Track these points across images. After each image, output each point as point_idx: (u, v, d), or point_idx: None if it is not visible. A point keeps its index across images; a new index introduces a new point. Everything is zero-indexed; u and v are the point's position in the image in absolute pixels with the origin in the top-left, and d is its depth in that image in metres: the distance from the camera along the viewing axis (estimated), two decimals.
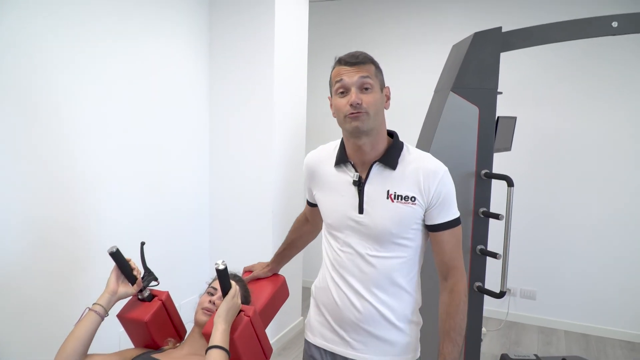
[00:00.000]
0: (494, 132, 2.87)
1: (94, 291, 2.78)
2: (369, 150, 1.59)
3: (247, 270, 2.19)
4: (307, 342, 1.81)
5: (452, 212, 1.61)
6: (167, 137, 3.32)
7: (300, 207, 4.06)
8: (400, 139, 1.65)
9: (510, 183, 2.78)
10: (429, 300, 1.90)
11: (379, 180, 1.59)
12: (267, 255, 3.63)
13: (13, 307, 2.38)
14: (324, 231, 1.77)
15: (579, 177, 4.33)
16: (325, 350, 1.72)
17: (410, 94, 4.65)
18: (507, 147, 3.51)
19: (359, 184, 1.59)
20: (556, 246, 4.43)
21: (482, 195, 2.86)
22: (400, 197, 1.56)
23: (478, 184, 2.83)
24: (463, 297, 1.60)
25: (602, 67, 4.19)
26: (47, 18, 2.43)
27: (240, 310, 1.70)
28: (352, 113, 1.50)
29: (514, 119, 3.48)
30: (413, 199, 1.55)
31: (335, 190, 1.65)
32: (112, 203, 2.91)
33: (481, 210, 2.85)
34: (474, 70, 2.79)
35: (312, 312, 1.81)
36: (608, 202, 4.26)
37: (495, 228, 3.08)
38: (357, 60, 1.53)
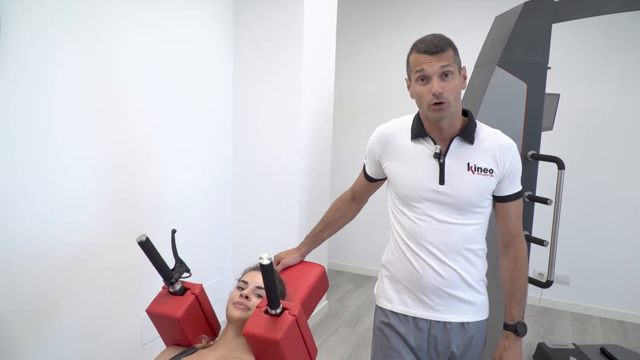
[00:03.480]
0: (542, 111, 2.68)
1: (114, 279, 2.67)
2: (447, 128, 1.67)
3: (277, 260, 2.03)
4: (382, 311, 1.84)
5: (519, 185, 1.74)
6: (187, 115, 3.14)
7: (327, 188, 3.90)
8: None
9: (561, 165, 2.60)
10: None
11: (459, 153, 1.67)
12: (292, 237, 3.52)
13: (31, 295, 2.25)
14: (393, 205, 1.81)
15: (618, 158, 4.11)
16: (405, 315, 1.77)
17: None
18: (549, 126, 3.29)
19: (439, 157, 1.66)
20: (591, 230, 4.23)
21: (529, 178, 2.68)
22: (480, 170, 1.66)
23: (524, 165, 2.62)
24: (525, 262, 1.77)
25: None
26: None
27: (285, 309, 1.54)
28: (435, 104, 1.57)
29: (557, 96, 3.25)
30: (491, 171, 1.66)
31: (414, 162, 1.71)
32: (132, 186, 2.75)
33: (527, 194, 2.67)
34: (522, 44, 2.59)
35: (386, 283, 1.84)
36: None
37: (537, 212, 2.90)
38: (437, 49, 1.57)
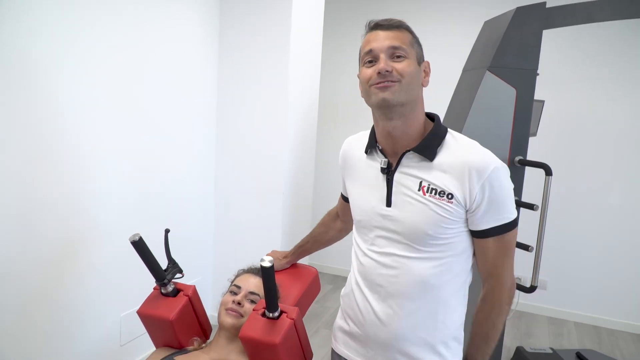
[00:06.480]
0: (530, 117, 2.69)
1: (92, 278, 2.59)
2: (399, 135, 1.32)
3: None
4: (333, 351, 1.59)
5: (504, 216, 1.29)
6: (169, 112, 3.07)
7: (312, 188, 3.87)
8: None
9: (548, 171, 2.61)
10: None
11: (413, 167, 1.32)
12: (276, 240, 3.47)
13: (7, 297, 2.17)
14: (354, 230, 1.54)
15: (596, 164, 4.17)
16: None
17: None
18: (533, 132, 3.32)
19: (388, 172, 1.34)
20: (570, 234, 4.28)
21: (515, 183, 2.67)
22: (434, 192, 1.28)
23: (511, 171, 2.65)
24: (495, 308, 1.34)
25: (633, 50, 4.01)
26: None
27: (282, 312, 1.50)
28: (380, 82, 1.24)
29: (542, 102, 3.29)
30: (450, 196, 1.26)
31: (365, 180, 1.42)
32: (111, 183, 2.66)
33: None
34: (513, 49, 2.60)
35: (339, 318, 1.57)
36: (626, 192, 4.12)
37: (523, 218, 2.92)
38: (391, 24, 1.28)
